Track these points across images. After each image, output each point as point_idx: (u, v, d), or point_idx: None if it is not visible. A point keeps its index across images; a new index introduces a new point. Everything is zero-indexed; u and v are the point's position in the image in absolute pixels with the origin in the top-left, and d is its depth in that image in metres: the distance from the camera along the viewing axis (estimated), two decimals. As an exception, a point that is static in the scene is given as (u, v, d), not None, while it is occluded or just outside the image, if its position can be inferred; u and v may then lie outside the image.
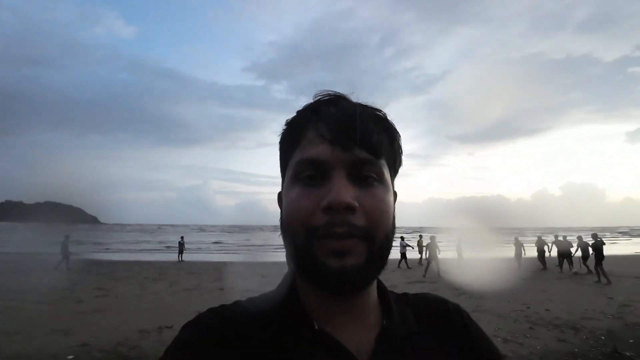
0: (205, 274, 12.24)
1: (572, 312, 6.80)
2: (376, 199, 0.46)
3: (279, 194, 0.55)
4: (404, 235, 16.18)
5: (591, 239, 11.73)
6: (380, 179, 0.48)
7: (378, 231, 0.45)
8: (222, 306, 0.51)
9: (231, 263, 16.02)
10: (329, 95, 0.52)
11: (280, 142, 0.54)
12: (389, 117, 0.52)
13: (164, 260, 17.88)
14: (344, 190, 0.43)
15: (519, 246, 14.26)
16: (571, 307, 7.23)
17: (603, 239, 11.66)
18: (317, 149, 0.46)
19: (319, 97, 0.52)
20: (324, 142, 0.46)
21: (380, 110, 0.51)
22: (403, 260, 14.48)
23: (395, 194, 0.52)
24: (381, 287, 0.55)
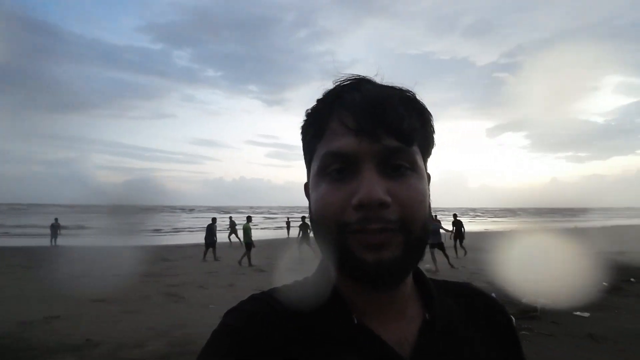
0: (84, 260, 11.17)
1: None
2: (410, 189, 0.43)
3: (306, 185, 0.53)
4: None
5: (452, 218, 13.41)
6: (413, 167, 0.44)
7: (414, 222, 0.43)
8: (263, 293, 0.50)
9: (125, 247, 14.79)
10: (351, 78, 0.48)
11: (303, 133, 0.51)
12: (418, 97, 0.48)
13: (34, 245, 15.49)
14: (374, 186, 0.41)
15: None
16: (432, 275, 8.96)
17: (461, 219, 13.27)
18: (342, 141, 0.43)
19: (340, 81, 0.48)
20: (349, 132, 0.43)
21: (409, 91, 0.47)
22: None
23: (428, 176, 0.49)
24: (421, 277, 0.53)
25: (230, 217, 17.14)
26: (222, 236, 12.41)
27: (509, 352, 0.53)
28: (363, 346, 0.44)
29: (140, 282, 8.06)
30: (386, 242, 0.41)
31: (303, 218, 13.35)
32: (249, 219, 12.56)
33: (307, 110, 0.50)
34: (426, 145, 0.49)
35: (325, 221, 0.44)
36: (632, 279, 7.60)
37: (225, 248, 11.56)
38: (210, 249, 11.94)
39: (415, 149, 0.46)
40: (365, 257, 0.41)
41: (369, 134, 0.43)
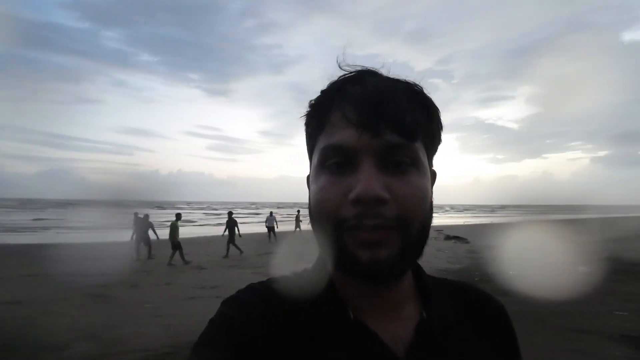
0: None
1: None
2: (410, 186, 0.42)
3: (308, 177, 0.51)
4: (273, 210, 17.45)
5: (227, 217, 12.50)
6: (415, 163, 0.44)
7: (413, 220, 0.42)
8: (261, 283, 0.50)
9: (41, 245, 13.29)
10: (355, 70, 0.47)
11: (306, 125, 0.50)
12: (425, 91, 0.47)
13: None
14: (373, 181, 0.40)
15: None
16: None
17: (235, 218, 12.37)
18: (342, 134, 0.43)
19: (344, 73, 0.47)
20: (350, 126, 0.42)
21: (416, 85, 0.47)
22: (271, 232, 15.62)
23: (433, 173, 0.49)
24: (420, 274, 0.52)
25: (141, 214, 12.13)
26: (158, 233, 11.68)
27: (505, 351, 0.52)
28: (358, 342, 0.44)
29: (61, 282, 7.37)
30: (382, 240, 0.40)
31: (229, 214, 12.65)
32: (178, 216, 11.68)
33: (310, 101, 0.49)
34: (431, 141, 0.48)
35: (322, 216, 0.43)
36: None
37: (163, 246, 10.96)
38: (146, 247, 11.05)
39: (419, 144, 0.45)
40: (361, 255, 0.41)
41: (369, 128, 0.42)
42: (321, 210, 0.44)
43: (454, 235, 16.79)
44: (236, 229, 12.10)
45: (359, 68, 0.48)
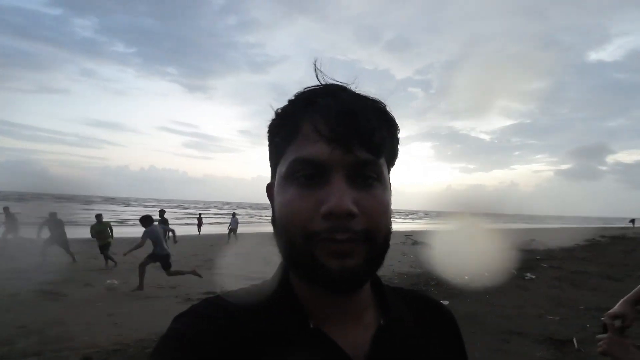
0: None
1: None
2: (376, 201, 0.44)
3: (269, 186, 0.52)
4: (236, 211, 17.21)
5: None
6: (380, 179, 0.45)
7: (378, 232, 0.44)
8: (217, 297, 0.49)
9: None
10: (326, 84, 0.48)
11: (270, 133, 0.50)
12: (389, 109, 0.48)
13: None
14: (344, 196, 0.41)
15: None
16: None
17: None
18: (314, 148, 0.43)
19: (315, 85, 0.48)
20: (322, 139, 0.43)
21: (380, 102, 0.48)
22: (232, 233, 15.53)
23: (390, 186, 0.50)
24: (377, 282, 0.54)
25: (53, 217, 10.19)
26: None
27: (455, 356, 0.56)
28: (317, 351, 0.44)
29: (7, 278, 7.07)
30: (351, 251, 0.42)
31: (161, 213, 11.27)
32: (99, 217, 10.10)
33: (277, 109, 0.49)
34: (392, 156, 0.50)
35: (291, 228, 0.43)
36: (486, 274, 9.31)
37: (122, 244, 10.66)
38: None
39: (383, 160, 0.46)
40: (330, 264, 0.41)
41: (342, 143, 0.43)
42: (290, 222, 0.44)
43: (421, 241, 17.35)
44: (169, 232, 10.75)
45: (329, 82, 0.49)
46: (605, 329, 1.22)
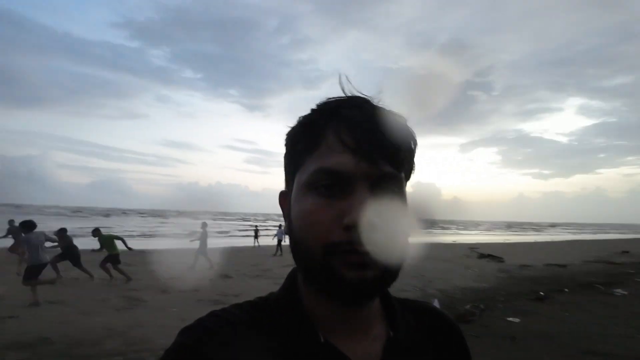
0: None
1: (394, 285, 8.93)
2: (397, 215, 0.44)
3: (282, 194, 0.52)
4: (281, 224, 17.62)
5: None
6: (400, 192, 0.45)
7: (396, 246, 0.43)
8: (223, 310, 0.48)
9: (84, 251, 14.43)
10: (349, 95, 0.48)
11: (291, 141, 0.49)
12: (409, 124, 0.48)
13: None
14: (367, 208, 0.41)
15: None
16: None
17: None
18: (339, 159, 0.43)
19: (339, 96, 0.48)
20: (347, 151, 0.43)
21: (402, 117, 0.48)
22: (279, 247, 15.58)
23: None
24: (386, 294, 0.53)
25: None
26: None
27: None
28: None
29: (99, 285, 8.06)
30: (369, 263, 0.41)
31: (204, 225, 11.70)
32: (95, 233, 9.51)
33: (299, 117, 0.49)
34: (410, 171, 0.50)
35: (311, 238, 0.43)
36: (565, 289, 8.37)
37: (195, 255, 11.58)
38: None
39: (403, 175, 0.46)
40: (349, 276, 0.41)
41: (367, 155, 0.43)
42: (309, 232, 0.43)
43: (488, 254, 16.16)
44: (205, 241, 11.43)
45: (353, 94, 0.48)
46: None
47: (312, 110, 0.48)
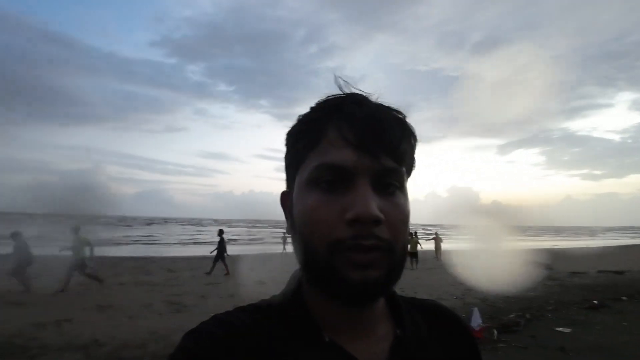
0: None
1: (433, 294, 8.67)
2: (399, 209, 0.44)
3: (284, 194, 0.52)
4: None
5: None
6: (402, 187, 0.45)
7: (399, 242, 0.43)
8: (227, 313, 0.48)
9: (130, 258, 15.25)
10: (349, 93, 0.48)
11: (292, 139, 0.50)
12: (408, 120, 0.48)
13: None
14: (370, 202, 0.41)
15: (438, 241, 17.21)
16: (433, 291, 9.16)
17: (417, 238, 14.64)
18: (340, 154, 0.43)
19: (339, 94, 0.48)
20: (348, 146, 0.43)
21: (401, 113, 0.48)
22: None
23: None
24: (392, 293, 0.53)
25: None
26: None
27: None
28: None
29: (144, 290, 8.46)
30: (374, 262, 0.41)
31: (220, 232, 12.02)
32: (76, 229, 8.78)
33: (299, 116, 0.49)
34: (411, 167, 0.49)
35: (315, 234, 0.42)
36: (623, 297, 7.70)
37: (232, 262, 11.90)
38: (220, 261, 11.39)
39: (404, 170, 0.46)
40: (352, 276, 0.41)
41: (368, 150, 0.43)
42: (313, 229, 0.43)
43: (536, 260, 15.25)
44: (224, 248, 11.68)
45: (352, 92, 0.48)
46: None
47: (312, 108, 0.49)
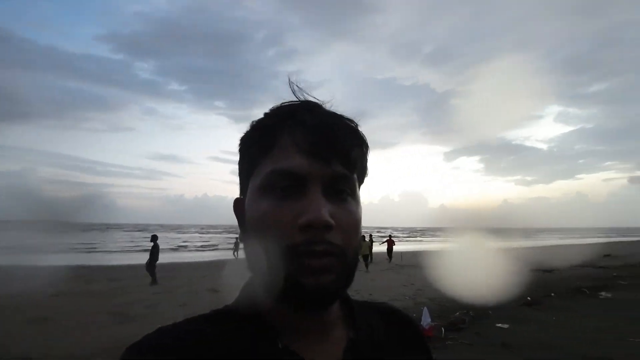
0: (20, 279, 10.53)
1: (387, 295, 8.95)
2: (350, 215, 0.45)
3: (237, 201, 0.52)
4: None
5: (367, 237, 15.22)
6: (353, 194, 0.47)
7: (350, 248, 0.44)
8: (174, 325, 0.45)
9: (67, 267, 13.97)
10: (302, 100, 0.49)
11: (245, 145, 0.50)
12: (360, 128, 0.50)
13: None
14: (322, 208, 0.42)
15: (391, 243, 17.75)
16: (387, 292, 9.46)
17: (373, 239, 15.79)
18: (293, 160, 0.44)
19: (293, 101, 0.49)
20: (301, 152, 0.44)
21: (353, 121, 0.49)
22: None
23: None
24: (345, 298, 0.54)
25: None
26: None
27: None
28: None
29: (84, 301, 7.81)
30: (327, 267, 0.42)
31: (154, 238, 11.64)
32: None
33: (252, 122, 0.50)
34: (363, 174, 0.51)
35: (269, 240, 0.43)
36: (552, 294, 8.52)
37: (184, 269, 11.33)
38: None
39: (355, 177, 0.48)
40: (306, 282, 0.41)
41: (320, 157, 0.44)
42: (267, 236, 0.43)
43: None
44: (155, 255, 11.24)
45: (306, 99, 0.50)
46: None
47: (266, 114, 0.50)
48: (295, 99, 0.50)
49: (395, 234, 20.20)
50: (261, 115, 0.50)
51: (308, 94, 0.50)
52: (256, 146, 0.48)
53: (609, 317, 6.32)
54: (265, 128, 0.48)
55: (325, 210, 0.42)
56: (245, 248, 0.47)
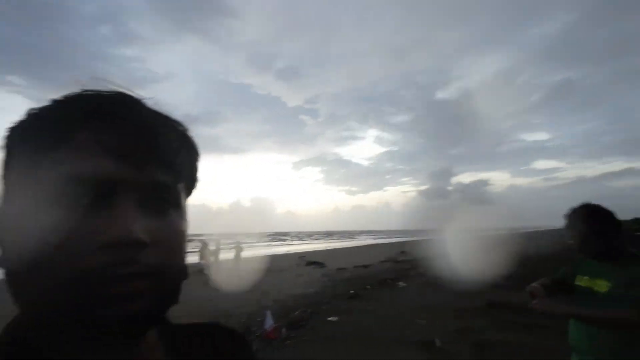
0: None
1: (234, 302, 8.94)
2: (172, 230, 0.38)
3: None
4: None
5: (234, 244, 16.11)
6: (177, 206, 0.39)
7: (172, 266, 0.37)
8: None
9: None
10: (114, 90, 0.38)
11: (18, 139, 0.37)
12: (190, 133, 0.42)
13: None
14: (132, 222, 0.34)
15: (238, 250, 17.53)
16: (233, 299, 9.43)
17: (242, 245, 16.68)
18: (95, 162, 0.34)
19: (100, 90, 0.38)
20: (107, 153, 0.35)
21: (183, 125, 0.41)
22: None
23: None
24: (164, 321, 0.46)
25: None
26: None
27: None
28: None
29: None
30: (136, 293, 0.34)
31: None
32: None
33: (31, 109, 0.37)
34: (192, 184, 0.44)
35: (54, 266, 0.32)
36: (368, 286, 10.39)
37: None
38: None
39: (182, 186, 0.41)
40: (109, 313, 0.32)
41: (134, 160, 0.35)
42: (52, 259, 0.32)
43: (313, 261, 18.14)
44: None
45: (118, 89, 0.39)
46: (532, 296, 1.81)
47: (56, 101, 0.38)
48: (106, 89, 0.38)
49: (245, 239, 20.44)
50: (46, 103, 0.38)
51: (124, 88, 0.39)
52: (35, 141, 0.36)
53: (404, 302, 8.19)
54: (52, 119, 0.36)
55: (136, 226, 0.34)
56: (8, 276, 0.35)
